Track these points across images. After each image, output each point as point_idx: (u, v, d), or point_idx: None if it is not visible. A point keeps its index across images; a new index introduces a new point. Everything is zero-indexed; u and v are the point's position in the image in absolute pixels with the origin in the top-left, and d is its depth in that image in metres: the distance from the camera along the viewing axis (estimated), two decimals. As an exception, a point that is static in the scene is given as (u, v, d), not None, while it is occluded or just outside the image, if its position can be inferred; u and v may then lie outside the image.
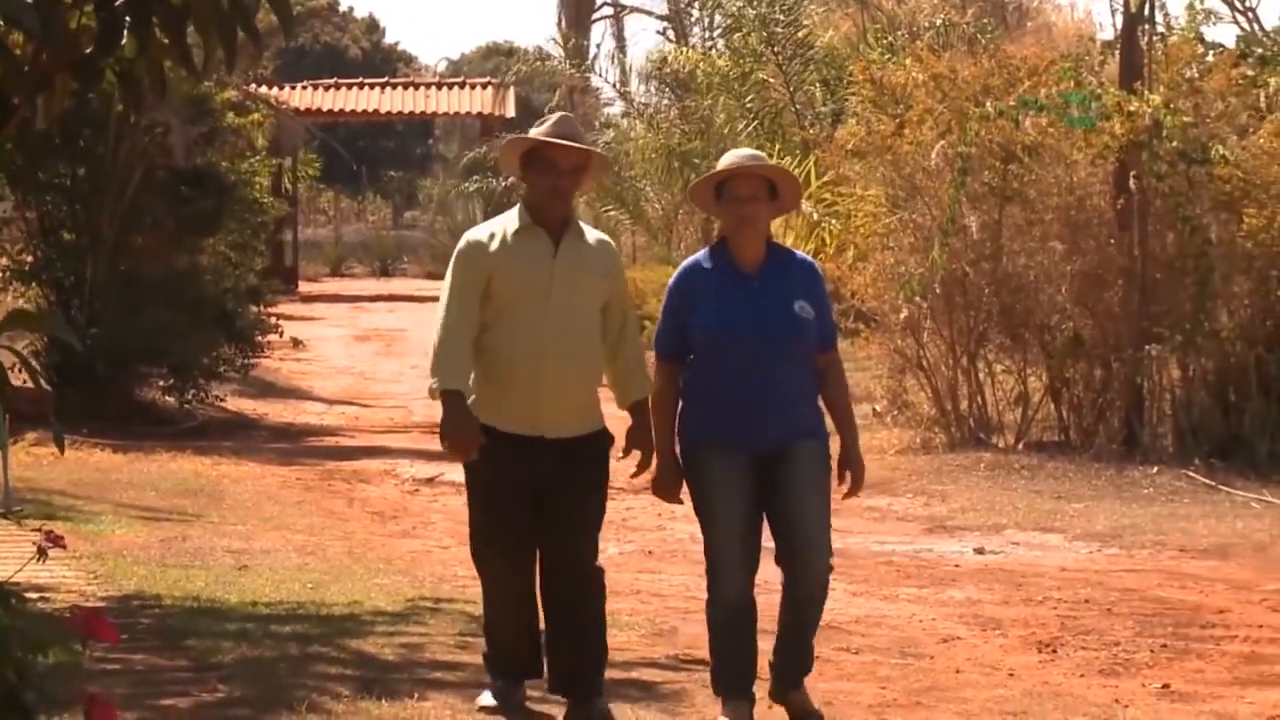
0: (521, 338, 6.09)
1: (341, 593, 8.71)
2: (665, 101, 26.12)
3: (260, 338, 18.12)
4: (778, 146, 20.66)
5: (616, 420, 6.39)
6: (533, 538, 6.22)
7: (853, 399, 6.78)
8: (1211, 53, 15.55)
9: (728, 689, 6.32)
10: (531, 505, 6.16)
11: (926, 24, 23.99)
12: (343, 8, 54.52)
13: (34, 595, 7.75)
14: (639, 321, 6.43)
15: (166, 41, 3.83)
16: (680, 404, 6.38)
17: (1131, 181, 14.55)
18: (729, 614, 6.28)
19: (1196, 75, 15.05)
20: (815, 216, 18.94)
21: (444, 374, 6.12)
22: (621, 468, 6.50)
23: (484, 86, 34.41)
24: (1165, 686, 7.43)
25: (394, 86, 35.77)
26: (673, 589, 9.45)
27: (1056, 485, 13.30)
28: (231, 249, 18.28)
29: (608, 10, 39.53)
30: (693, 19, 32.33)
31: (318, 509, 12.36)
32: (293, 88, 33.80)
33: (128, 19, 3.79)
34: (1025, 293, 15.15)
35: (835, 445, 6.45)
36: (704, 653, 6.67)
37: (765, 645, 6.45)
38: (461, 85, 35.60)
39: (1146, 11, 15.19)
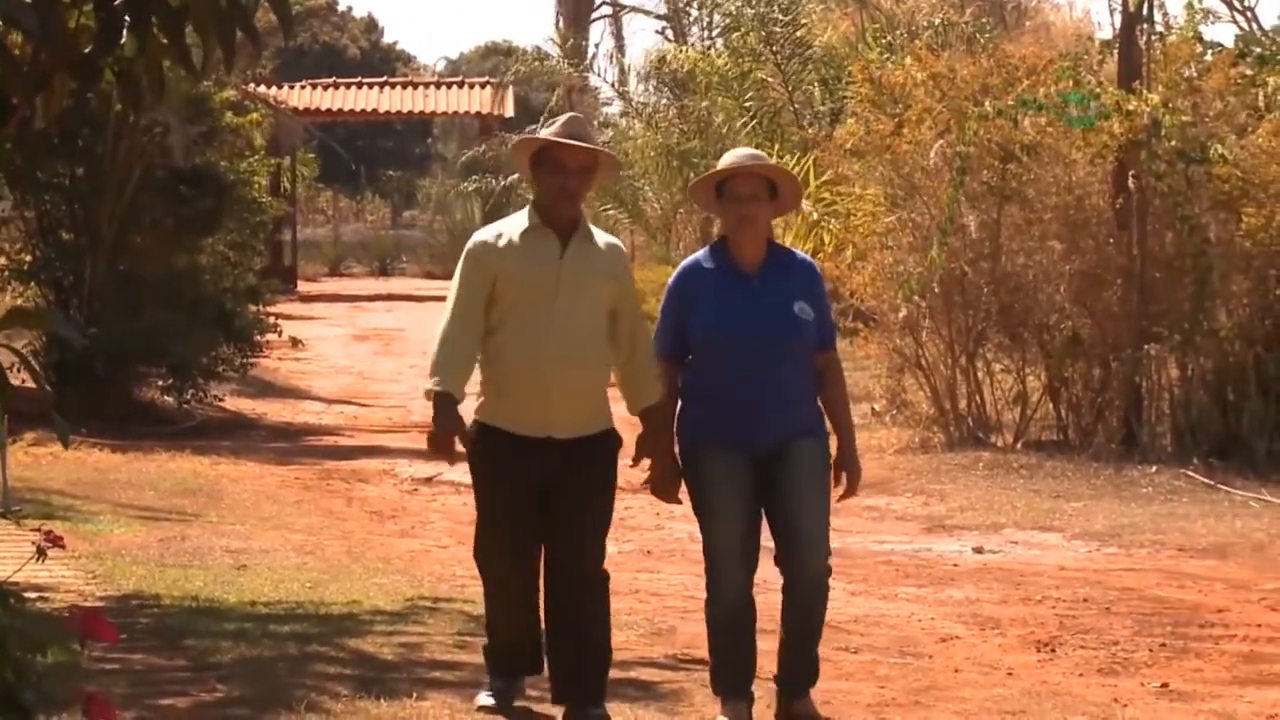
0: (528, 339, 6.08)
1: (340, 592, 8.71)
2: (664, 101, 26.12)
3: (259, 337, 18.11)
4: (777, 146, 20.66)
5: (626, 426, 6.36)
6: (538, 539, 6.20)
7: (851, 398, 6.78)
8: (1210, 52, 15.56)
9: (727, 688, 6.32)
10: (538, 506, 6.15)
11: (925, 23, 23.99)
12: (341, 7, 54.54)
13: (33, 595, 7.74)
14: (648, 325, 6.40)
15: (165, 41, 3.83)
16: (679, 404, 6.38)
17: (1130, 181, 14.55)
18: (728, 613, 6.28)
19: (1195, 74, 15.05)
20: (814, 216, 18.94)
21: (439, 375, 6.12)
22: (627, 467, 6.47)
23: (482, 86, 34.42)
24: (1164, 686, 7.43)
25: (392, 86, 35.77)
26: (671, 588, 9.45)
27: (1055, 484, 13.30)
28: (230, 248, 18.28)
29: (607, 10, 39.53)
30: (691, 18, 32.34)
31: (316, 509, 12.36)
32: (291, 87, 33.80)
33: (127, 19, 3.79)
34: (1024, 292, 15.15)
35: (834, 445, 6.45)
36: (703, 652, 6.67)
37: (765, 645, 6.45)
38: (460, 85, 35.59)
39: (1145, 11, 15.19)
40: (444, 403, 6.09)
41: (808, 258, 6.74)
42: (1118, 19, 15.60)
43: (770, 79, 23.31)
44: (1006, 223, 15.17)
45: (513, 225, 6.27)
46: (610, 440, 6.24)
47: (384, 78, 37.47)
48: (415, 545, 10.95)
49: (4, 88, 3.77)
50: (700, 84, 23.66)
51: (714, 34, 28.70)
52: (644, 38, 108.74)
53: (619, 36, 40.33)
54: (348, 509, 12.56)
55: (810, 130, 21.71)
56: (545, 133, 6.28)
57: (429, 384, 6.14)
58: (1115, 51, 15.71)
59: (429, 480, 13.74)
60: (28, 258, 17.02)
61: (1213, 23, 16.27)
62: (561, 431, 6.10)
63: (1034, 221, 15.08)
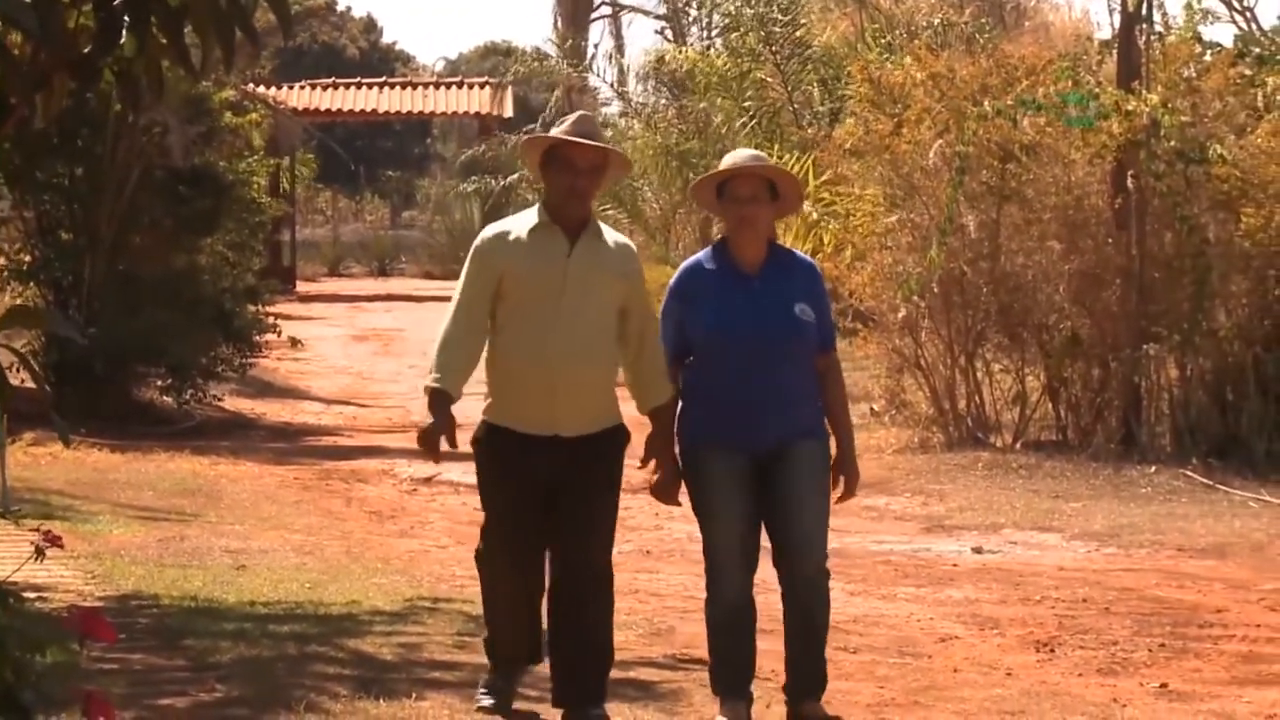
0: (534, 337, 6.07)
1: (339, 592, 8.71)
2: (663, 101, 26.11)
3: (258, 337, 18.11)
4: (776, 146, 20.66)
5: (636, 426, 6.35)
6: (542, 540, 6.18)
7: (850, 398, 6.77)
8: (1209, 52, 15.56)
9: (726, 688, 6.32)
10: (545, 505, 6.13)
11: (924, 23, 23.99)
12: (340, 7, 54.53)
13: (32, 595, 7.75)
14: (658, 325, 6.36)
15: (164, 41, 3.83)
16: (680, 404, 6.38)
17: (1129, 181, 14.55)
18: (728, 613, 6.28)
19: (1194, 75, 15.05)
20: (814, 216, 18.93)
21: (437, 373, 6.13)
22: (635, 468, 6.45)
23: (482, 86, 34.42)
24: (1163, 686, 7.43)
25: (392, 86, 35.76)
26: (670, 588, 9.45)
27: (1054, 484, 13.30)
28: (229, 249, 18.28)
29: (606, 10, 39.52)
30: (690, 18, 32.33)
31: (315, 509, 12.36)
32: (290, 87, 33.79)
33: (126, 19, 3.79)
34: (1023, 292, 15.15)
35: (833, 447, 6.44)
36: (702, 652, 6.67)
37: (764, 645, 6.44)
38: (459, 85, 35.58)
39: (1144, 11, 15.20)
40: (437, 400, 6.09)
41: (809, 259, 6.74)
42: (1117, 19, 15.61)
43: (769, 79, 23.30)
44: (1005, 223, 15.17)
45: (521, 222, 6.26)
46: (618, 437, 6.22)
47: (383, 78, 37.46)
48: (414, 545, 10.95)
49: (3, 87, 3.77)
50: (699, 84, 23.66)
51: (713, 34, 28.69)
52: (644, 38, 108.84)
53: (618, 36, 40.33)
54: (347, 509, 12.56)
55: (809, 130, 21.70)
56: (555, 131, 6.27)
57: (428, 380, 6.15)
58: (1114, 51, 15.71)
59: (428, 480, 13.74)
60: (27, 258, 17.02)
61: (1212, 23, 16.27)
62: (568, 429, 6.09)
63: (1033, 221, 15.08)
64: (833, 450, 6.40)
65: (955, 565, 10.56)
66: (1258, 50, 16.03)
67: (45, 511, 10.97)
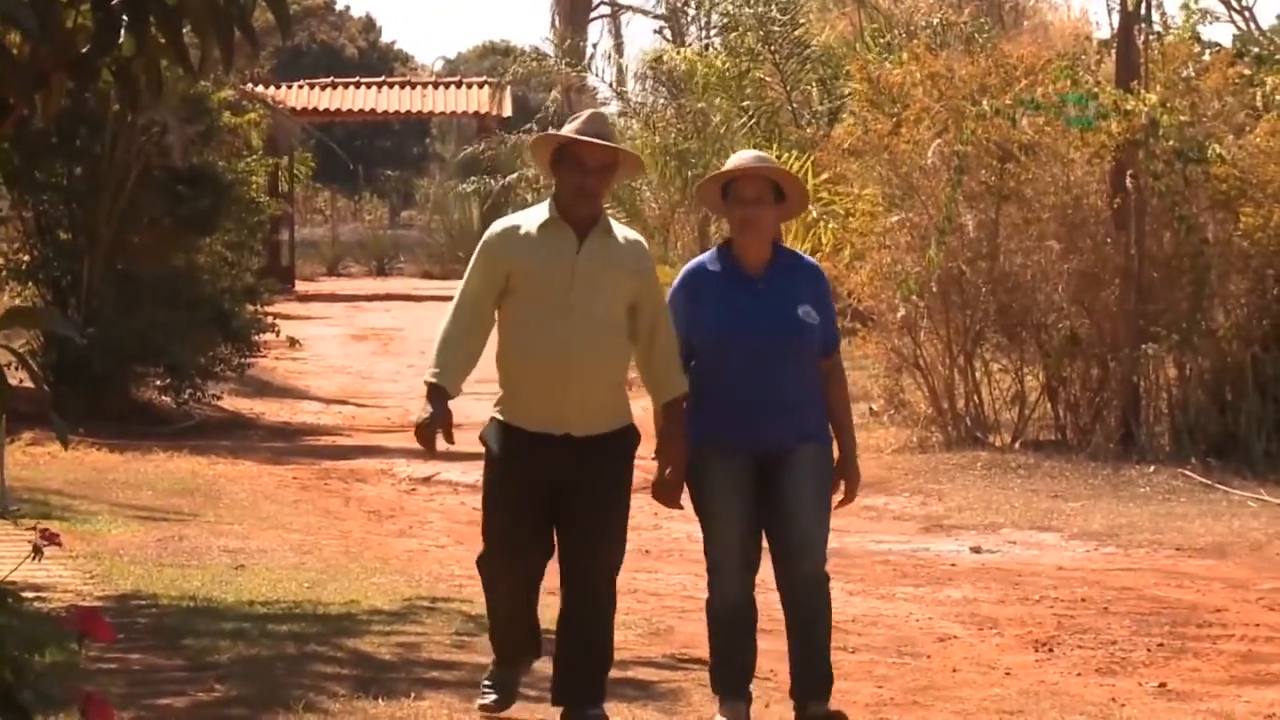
0: (544, 334, 6.04)
1: (338, 592, 8.71)
2: (661, 101, 26.11)
3: (257, 337, 18.12)
4: (775, 146, 20.66)
5: (646, 427, 6.34)
6: (544, 540, 6.15)
7: (850, 398, 6.75)
8: (1208, 52, 15.57)
9: (725, 688, 6.31)
10: (550, 506, 6.11)
11: (923, 23, 23.99)
12: (339, 7, 54.51)
13: (30, 595, 7.75)
14: (670, 318, 6.30)
15: (163, 41, 3.83)
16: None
17: (1128, 180, 14.56)
18: (728, 614, 6.26)
19: (1193, 74, 15.06)
20: (813, 215, 18.93)
21: (436, 368, 6.12)
22: (651, 459, 6.39)
23: (481, 86, 34.40)
24: (1162, 685, 7.43)
25: (390, 86, 35.74)
26: (669, 588, 9.45)
27: (1053, 484, 13.31)
28: (228, 248, 18.28)
29: (604, 10, 39.53)
30: (689, 18, 32.34)
31: (314, 508, 12.36)
32: (289, 87, 33.78)
33: (124, 18, 3.79)
34: (1022, 292, 15.16)
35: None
36: (700, 652, 6.67)
37: (764, 645, 6.44)
38: (458, 85, 35.57)
39: (1143, 11, 15.20)
40: (434, 395, 6.09)
41: (814, 261, 6.72)
42: (1116, 19, 15.62)
43: (768, 79, 23.30)
44: (1004, 222, 15.18)
45: (531, 218, 6.24)
46: (629, 437, 6.20)
47: (382, 77, 37.44)
48: (413, 545, 10.95)
49: (2, 87, 3.77)
50: (697, 84, 23.66)
51: (711, 33, 28.70)
52: (642, 37, 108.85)
53: (617, 36, 40.34)
54: (346, 509, 12.56)
55: (808, 130, 21.70)
56: (566, 129, 6.24)
57: (426, 375, 6.14)
58: (1113, 51, 15.73)
59: (427, 480, 13.74)
60: (25, 257, 17.03)
61: (1210, 23, 16.29)
62: (579, 429, 6.05)
63: (1032, 221, 15.09)
64: (835, 453, 6.38)
65: (954, 565, 10.57)
66: (1256, 50, 16.06)
67: (44, 511, 10.97)
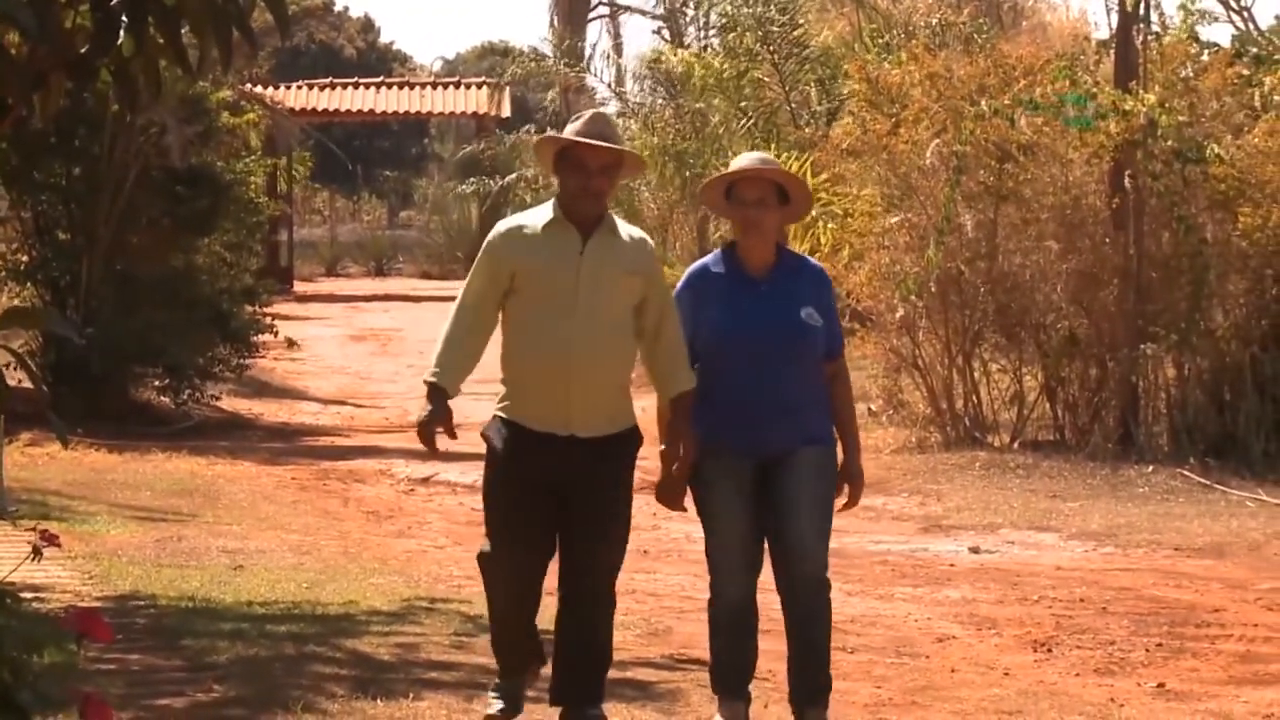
0: (548, 334, 6.04)
1: (337, 592, 8.71)
2: (660, 101, 26.10)
3: (255, 337, 18.12)
4: (773, 146, 20.65)
5: (647, 429, 6.33)
6: (546, 540, 6.13)
7: (854, 400, 6.71)
8: (1206, 52, 15.58)
9: (725, 689, 6.30)
10: (555, 506, 6.10)
11: (922, 23, 23.99)
12: (338, 7, 54.49)
13: (29, 595, 7.75)
14: (677, 313, 6.28)
15: (162, 41, 3.83)
16: None
17: (1127, 181, 14.56)
18: (729, 615, 6.25)
19: (1191, 74, 15.07)
20: (812, 215, 18.93)
21: (437, 368, 6.11)
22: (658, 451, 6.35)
23: (479, 86, 34.40)
24: (1160, 685, 7.43)
25: (389, 86, 35.73)
26: (668, 589, 9.45)
27: (1052, 484, 13.31)
28: (227, 249, 18.29)
29: (603, 10, 39.52)
30: (687, 18, 32.32)
31: (313, 509, 12.36)
32: (288, 87, 33.76)
33: (123, 18, 3.79)
34: (1020, 292, 15.16)
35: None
36: (699, 652, 6.66)
37: (763, 645, 6.43)
38: (457, 85, 35.56)
39: (1141, 11, 15.21)
40: (433, 394, 6.09)
41: (818, 264, 6.70)
42: (1114, 19, 15.62)
43: (766, 79, 23.29)
44: (1003, 222, 15.19)
45: (536, 217, 6.23)
46: (632, 439, 6.19)
47: (380, 78, 37.42)
48: (412, 545, 10.95)
49: (1, 87, 3.77)
50: (695, 85, 23.65)
51: (710, 34, 28.69)
52: (641, 36, 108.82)
53: (616, 36, 40.32)
54: (344, 509, 12.56)
55: (807, 130, 21.70)
56: (568, 130, 6.23)
57: (426, 374, 6.14)
58: (1112, 51, 15.73)
59: (426, 480, 13.74)
60: (24, 258, 17.03)
61: (1209, 23, 16.29)
62: (584, 430, 6.05)
63: (1030, 221, 15.09)
64: (839, 457, 6.36)
65: (953, 565, 10.57)
66: (1255, 50, 16.07)
67: (43, 512, 10.97)
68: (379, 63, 49.61)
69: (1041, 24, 33.58)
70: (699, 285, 6.34)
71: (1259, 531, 11.45)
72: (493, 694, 6.28)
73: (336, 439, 16.72)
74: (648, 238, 6.44)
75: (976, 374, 15.52)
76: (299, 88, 34.21)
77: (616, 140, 6.26)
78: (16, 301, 16.89)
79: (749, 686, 6.34)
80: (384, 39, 56.49)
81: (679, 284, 6.43)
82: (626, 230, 6.27)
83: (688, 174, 21.97)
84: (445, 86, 35.77)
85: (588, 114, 6.33)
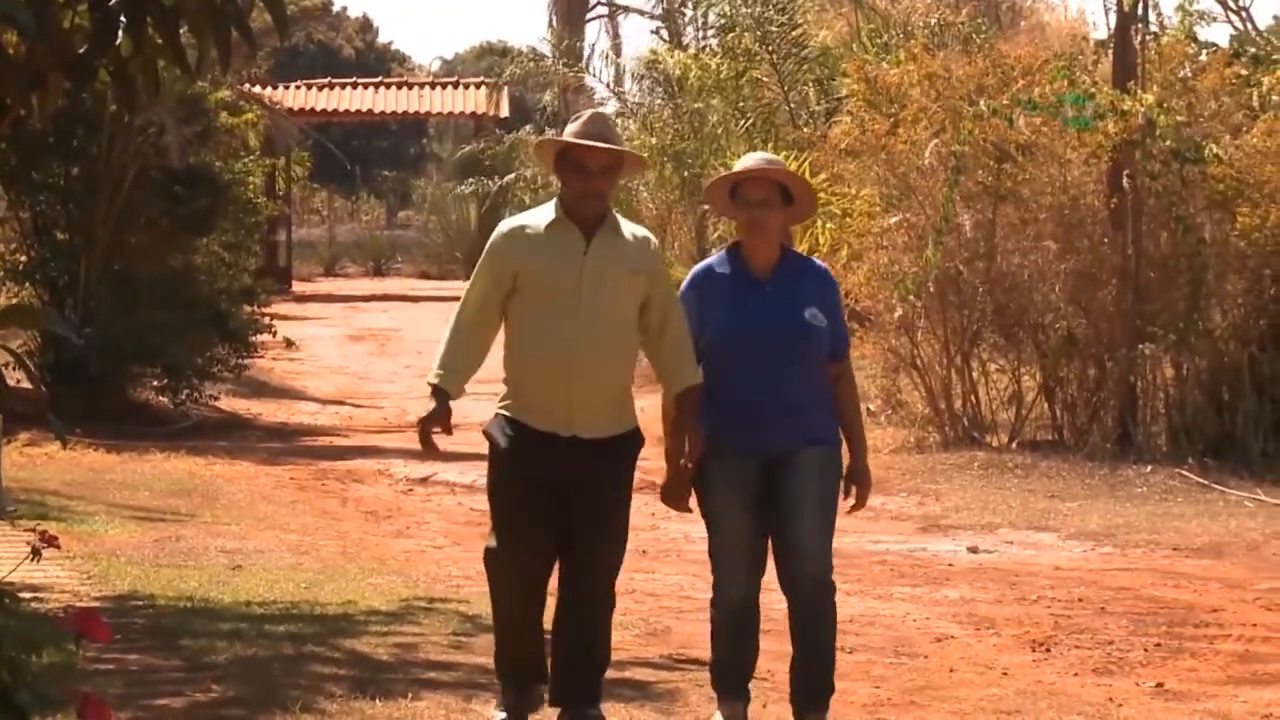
0: (551, 334, 6.04)
1: (335, 592, 8.71)
2: (658, 101, 26.10)
3: (254, 338, 18.12)
4: (771, 145, 20.64)
5: (649, 431, 6.33)
6: (551, 539, 6.12)
7: (860, 402, 6.69)
8: (1205, 52, 15.58)
9: (725, 688, 6.30)
10: (558, 506, 6.09)
11: (921, 23, 23.98)
12: (336, 7, 54.48)
13: (28, 595, 7.75)
14: (682, 309, 6.27)
15: (160, 41, 3.83)
16: None
17: (1125, 181, 14.57)
18: (731, 615, 6.24)
19: (1190, 75, 15.08)
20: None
21: (440, 370, 6.11)
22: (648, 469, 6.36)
23: (478, 86, 34.38)
24: (1159, 685, 7.43)
25: (388, 86, 35.73)
26: (667, 589, 9.44)
27: (1050, 484, 13.31)
28: (225, 249, 18.29)
29: (602, 10, 39.51)
30: (686, 18, 32.31)
31: (311, 509, 12.36)
32: (286, 87, 33.76)
33: (122, 18, 3.79)
34: (1019, 292, 15.17)
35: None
36: (698, 652, 6.66)
37: (763, 645, 6.43)
38: (455, 85, 35.57)
39: (1140, 11, 15.21)
40: (436, 397, 6.09)
41: (823, 265, 6.69)
42: (1112, 19, 15.62)
43: (765, 79, 23.29)
44: (1001, 222, 15.19)
45: (538, 217, 6.23)
46: (634, 440, 6.19)
47: (379, 78, 37.42)
48: (410, 545, 10.95)
49: (-1, 87, 3.77)
50: (692, 85, 23.64)
51: (709, 34, 28.66)
52: (640, 36, 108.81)
53: (615, 36, 40.31)
54: (343, 509, 12.56)
55: (805, 130, 21.70)
56: (567, 131, 6.23)
57: (430, 376, 6.14)
58: (1110, 51, 15.73)
59: (424, 480, 13.74)
60: (22, 258, 17.03)
61: (1208, 24, 16.28)
62: (587, 431, 6.04)
63: (1029, 221, 15.10)
64: (845, 458, 6.35)
65: (951, 565, 10.57)
66: (1253, 50, 16.08)
67: (41, 512, 10.97)
68: (377, 63, 49.61)
69: (1040, 24, 33.56)
70: (703, 285, 6.33)
71: (1257, 531, 11.45)
72: (498, 712, 6.23)
73: (335, 439, 16.72)
74: (651, 236, 6.43)
75: (975, 374, 15.53)
76: (297, 88, 34.21)
77: (616, 140, 6.26)
78: (15, 301, 16.89)
79: (749, 686, 6.34)
80: (382, 39, 56.50)
81: (685, 282, 6.42)
82: (630, 229, 6.26)
83: (686, 174, 21.96)
84: (443, 86, 35.77)
85: (586, 114, 6.33)
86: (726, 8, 24.33)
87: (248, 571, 9.29)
